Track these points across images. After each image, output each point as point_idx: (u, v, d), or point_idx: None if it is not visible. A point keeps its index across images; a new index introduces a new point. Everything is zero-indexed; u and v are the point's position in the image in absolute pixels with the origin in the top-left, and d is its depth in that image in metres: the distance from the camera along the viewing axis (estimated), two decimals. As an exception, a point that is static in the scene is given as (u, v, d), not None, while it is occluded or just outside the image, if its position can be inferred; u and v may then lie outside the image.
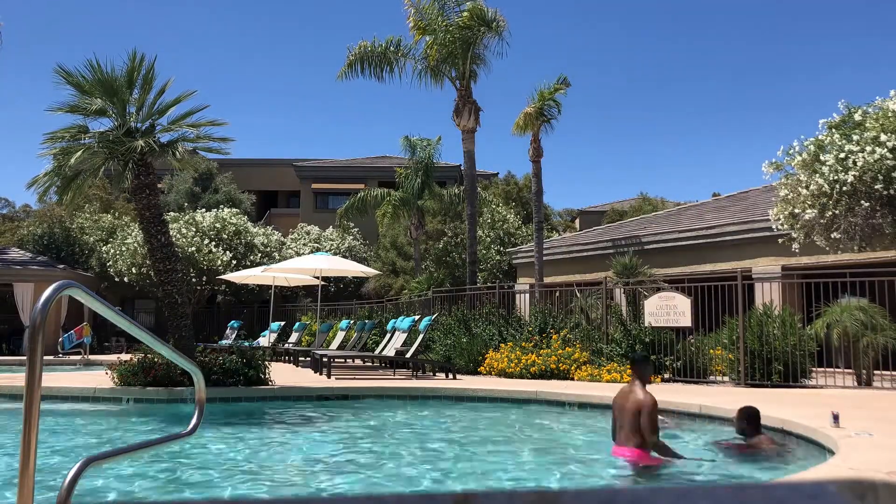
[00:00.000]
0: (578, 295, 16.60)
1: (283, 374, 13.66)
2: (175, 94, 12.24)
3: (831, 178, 10.21)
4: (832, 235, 10.67)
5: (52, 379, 12.54)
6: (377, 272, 23.05)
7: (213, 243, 25.91)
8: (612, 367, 13.04)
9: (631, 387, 6.15)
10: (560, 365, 13.56)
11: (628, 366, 13.04)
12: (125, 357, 12.19)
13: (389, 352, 15.19)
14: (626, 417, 6.02)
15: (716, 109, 74.52)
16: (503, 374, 13.97)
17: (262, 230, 29.50)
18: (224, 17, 73.48)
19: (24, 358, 3.07)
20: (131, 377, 10.91)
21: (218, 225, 26.67)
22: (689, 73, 72.88)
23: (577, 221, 41.01)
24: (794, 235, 11.36)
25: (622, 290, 16.07)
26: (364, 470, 6.45)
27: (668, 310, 13.38)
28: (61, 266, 26.30)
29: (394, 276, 28.32)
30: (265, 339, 21.78)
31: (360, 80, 21.19)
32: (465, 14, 19.70)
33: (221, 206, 29.59)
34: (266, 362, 12.04)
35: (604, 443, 6.91)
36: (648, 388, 6.12)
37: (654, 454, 5.99)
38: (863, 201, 10.07)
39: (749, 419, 6.86)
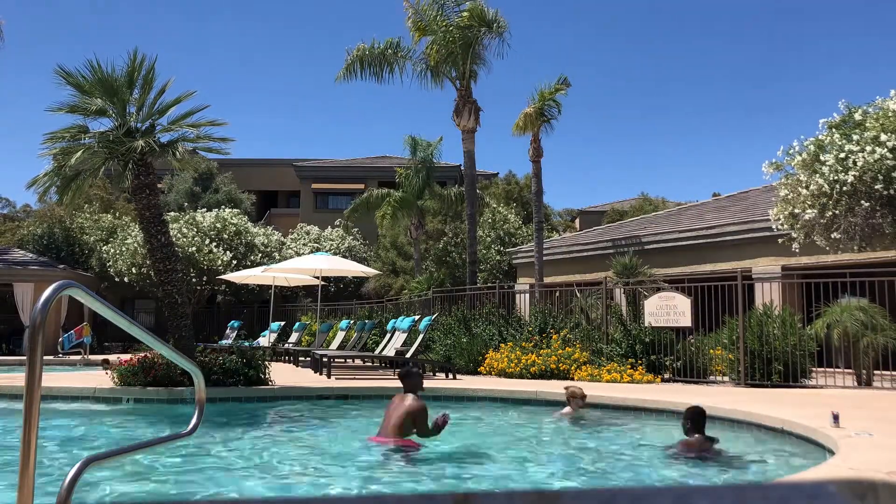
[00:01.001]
0: (578, 295, 16.61)
1: (283, 374, 13.66)
2: (175, 94, 12.24)
3: (831, 178, 10.21)
4: (832, 235, 10.66)
5: (52, 379, 12.53)
6: (377, 272, 23.04)
7: (214, 243, 25.92)
8: (612, 367, 13.04)
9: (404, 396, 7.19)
10: (560, 365, 13.56)
11: (629, 366, 13.11)
12: (125, 357, 12.18)
13: (389, 352, 15.19)
14: (395, 417, 7.00)
15: (716, 109, 74.63)
16: (503, 374, 13.97)
17: (263, 230, 29.50)
18: (224, 18, 73.53)
19: (24, 358, 3.07)
20: (131, 377, 10.90)
21: (219, 225, 26.69)
22: (689, 74, 72.94)
23: (577, 221, 41.02)
24: (794, 235, 11.36)
25: (622, 290, 16.08)
26: (363, 468, 6.44)
27: (668, 310, 13.38)
28: (61, 266, 26.30)
29: (394, 276, 28.33)
30: (265, 339, 21.78)
31: (360, 81, 21.19)
32: (465, 14, 19.71)
33: (223, 206, 29.60)
34: (266, 362, 12.04)
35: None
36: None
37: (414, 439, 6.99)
38: (863, 201, 10.06)
39: (693, 418, 6.72)
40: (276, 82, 79.06)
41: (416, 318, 15.64)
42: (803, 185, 10.74)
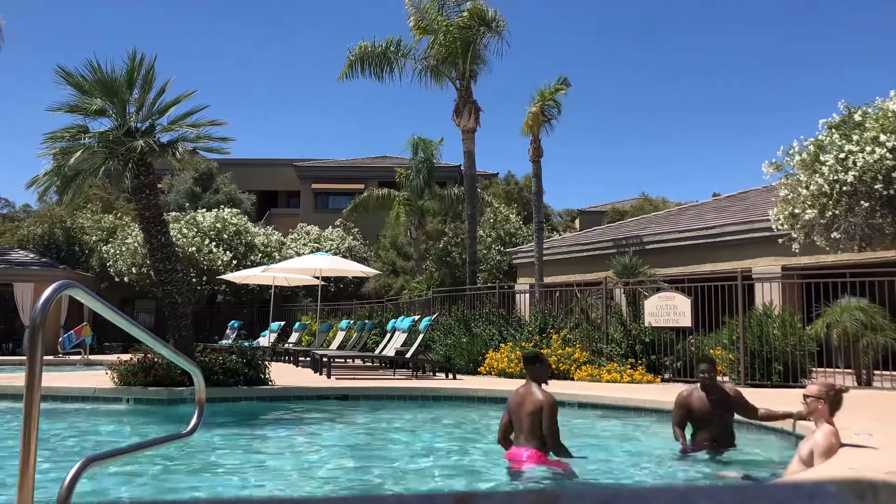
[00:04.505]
0: (578, 295, 16.60)
1: (283, 374, 13.66)
2: (175, 93, 12.25)
3: (831, 179, 10.21)
4: (832, 235, 10.66)
5: (52, 379, 12.54)
6: (377, 272, 23.04)
7: (214, 243, 25.92)
8: (613, 367, 13.05)
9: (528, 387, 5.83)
10: (560, 365, 13.56)
11: (629, 366, 13.11)
12: (125, 357, 12.19)
13: (389, 352, 15.19)
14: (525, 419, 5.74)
15: (716, 109, 74.62)
16: (503, 374, 13.97)
17: (263, 230, 29.50)
18: (224, 18, 73.52)
19: (24, 358, 3.07)
20: (131, 377, 10.91)
21: (218, 225, 26.69)
22: (689, 74, 72.93)
23: (578, 221, 41.02)
24: (795, 235, 11.35)
25: (622, 290, 16.07)
26: (364, 469, 6.44)
27: (668, 310, 13.38)
28: (62, 266, 26.29)
29: (394, 276, 28.32)
30: (265, 339, 21.78)
31: (361, 80, 21.26)
32: (466, 14, 19.71)
33: (222, 207, 29.60)
34: (266, 362, 12.05)
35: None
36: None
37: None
38: (863, 201, 10.06)
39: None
40: (275, 82, 79.13)
41: (416, 318, 15.64)
42: (803, 185, 10.73)
